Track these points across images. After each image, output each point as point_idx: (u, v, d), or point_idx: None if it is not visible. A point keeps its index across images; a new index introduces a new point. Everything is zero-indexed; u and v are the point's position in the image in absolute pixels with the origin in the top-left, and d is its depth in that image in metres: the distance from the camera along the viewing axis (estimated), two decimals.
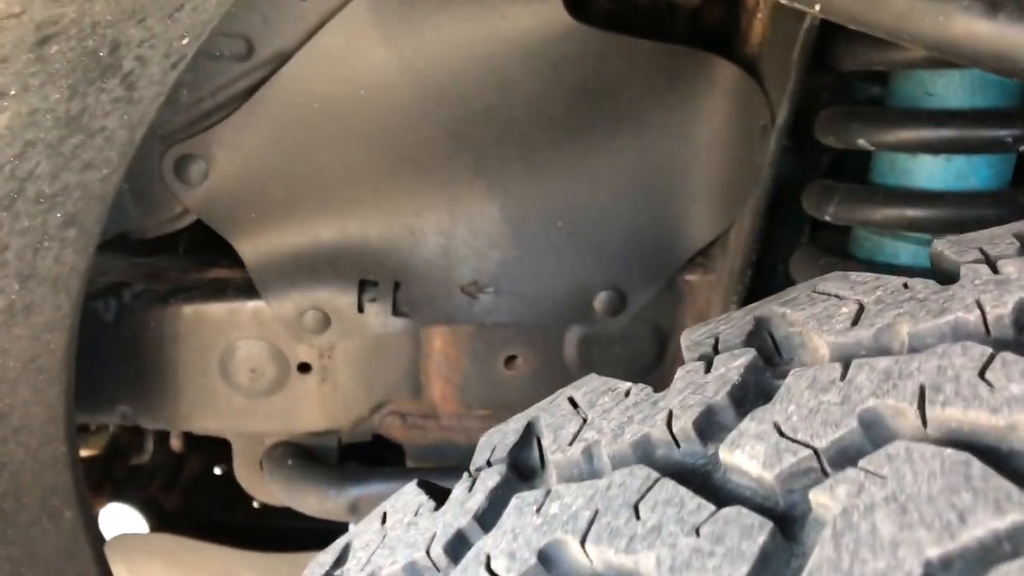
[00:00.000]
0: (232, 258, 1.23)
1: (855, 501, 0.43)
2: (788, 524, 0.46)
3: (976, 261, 0.56)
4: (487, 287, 1.21)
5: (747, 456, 0.49)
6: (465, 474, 0.63)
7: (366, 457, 1.44)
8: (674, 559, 0.46)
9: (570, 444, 0.58)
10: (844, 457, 0.47)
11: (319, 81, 1.07)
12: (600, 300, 1.23)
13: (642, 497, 0.50)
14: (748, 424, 0.51)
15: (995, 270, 0.55)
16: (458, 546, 0.56)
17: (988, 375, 0.46)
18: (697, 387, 0.56)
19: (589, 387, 0.64)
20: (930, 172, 0.97)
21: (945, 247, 0.61)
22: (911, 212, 0.96)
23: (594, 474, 0.56)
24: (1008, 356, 0.47)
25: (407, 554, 0.58)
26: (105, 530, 1.63)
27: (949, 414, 0.45)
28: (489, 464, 0.62)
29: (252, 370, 1.28)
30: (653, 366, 1.29)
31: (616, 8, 1.13)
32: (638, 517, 0.49)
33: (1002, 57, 0.72)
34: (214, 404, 1.30)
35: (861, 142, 0.97)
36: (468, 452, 1.33)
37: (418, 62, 1.06)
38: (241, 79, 1.09)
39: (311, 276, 1.21)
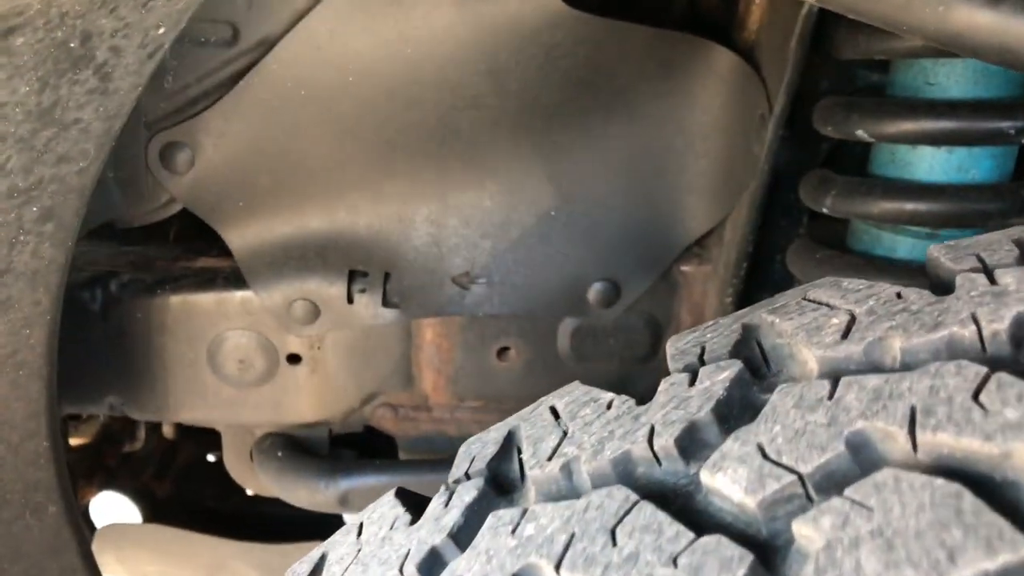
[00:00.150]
0: (220, 247, 1.21)
1: (839, 534, 0.41)
2: (770, 554, 0.44)
3: (973, 270, 0.54)
4: (479, 278, 1.19)
5: (729, 480, 0.47)
6: (443, 487, 0.61)
7: (359, 446, 1.42)
8: None
9: (549, 459, 0.56)
10: (830, 483, 0.45)
11: (306, 67, 1.05)
12: (594, 291, 1.20)
13: (619, 521, 0.47)
14: (731, 445, 0.48)
15: (992, 280, 0.52)
16: (432, 565, 0.55)
17: (982, 397, 0.44)
18: (680, 401, 0.53)
19: (571, 396, 0.61)
20: (930, 164, 0.95)
21: (941, 253, 0.58)
22: (910, 205, 0.93)
23: (573, 491, 0.54)
24: (1004, 377, 0.44)
25: (380, 572, 0.56)
26: (97, 518, 1.63)
27: (941, 439, 0.43)
28: (468, 477, 0.60)
29: (241, 361, 1.26)
30: (647, 358, 1.27)
31: None
32: (615, 543, 0.47)
33: (1004, 49, 0.70)
34: (203, 395, 1.28)
35: (860, 133, 0.94)
36: (460, 443, 1.32)
37: (406, 48, 1.03)
38: (227, 65, 1.06)
39: (300, 266, 1.19)
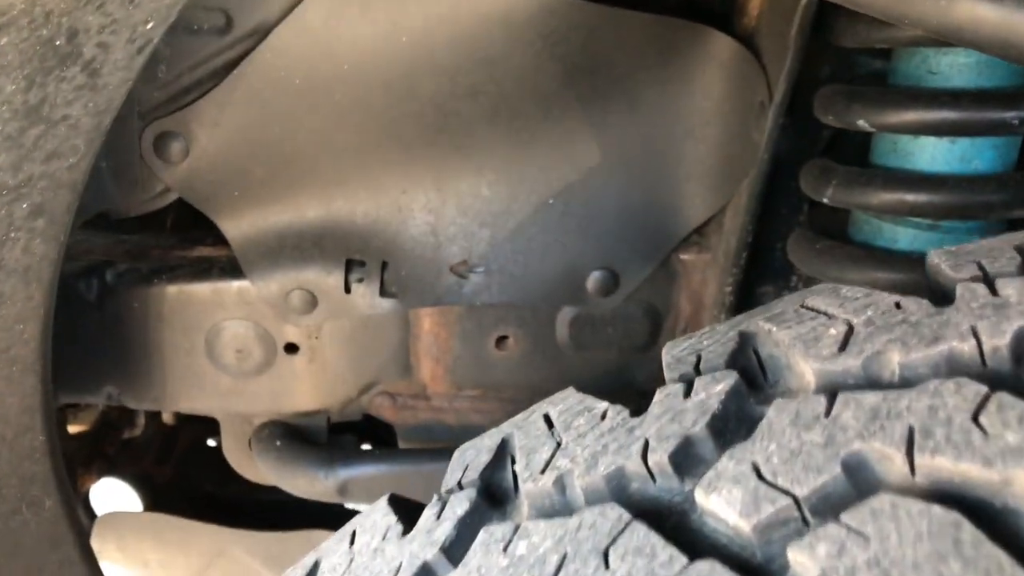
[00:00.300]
0: (217, 236, 1.20)
1: (835, 563, 0.40)
2: None
3: (973, 279, 0.53)
4: (477, 267, 1.18)
5: (724, 502, 0.46)
6: (435, 496, 0.60)
7: (359, 431, 1.42)
8: None
9: (543, 472, 0.55)
10: (826, 506, 0.44)
11: (300, 56, 1.03)
12: (592, 280, 1.19)
13: (612, 542, 0.47)
14: (726, 464, 0.48)
15: (994, 291, 0.51)
16: None
17: (982, 419, 0.43)
18: (675, 414, 0.52)
19: (565, 404, 0.60)
20: (932, 154, 0.93)
21: (941, 259, 0.57)
22: (912, 196, 0.92)
23: (566, 506, 0.53)
24: (1005, 398, 0.43)
25: None
26: (97, 505, 1.63)
27: (939, 463, 0.42)
28: (461, 487, 0.60)
29: (238, 351, 1.25)
30: (646, 347, 1.26)
31: None
32: (607, 566, 0.46)
33: (1007, 43, 0.69)
34: (201, 385, 1.28)
35: (861, 123, 0.92)
36: (459, 432, 1.32)
37: (401, 36, 1.02)
38: (220, 54, 1.05)
39: (296, 255, 1.17)
